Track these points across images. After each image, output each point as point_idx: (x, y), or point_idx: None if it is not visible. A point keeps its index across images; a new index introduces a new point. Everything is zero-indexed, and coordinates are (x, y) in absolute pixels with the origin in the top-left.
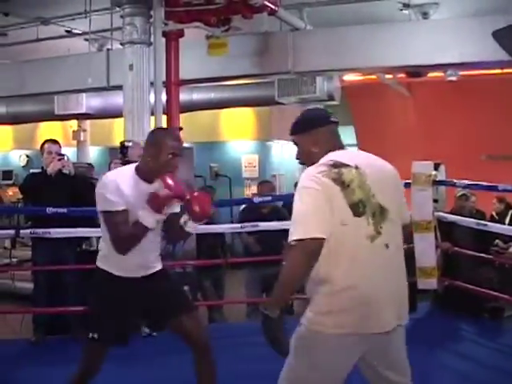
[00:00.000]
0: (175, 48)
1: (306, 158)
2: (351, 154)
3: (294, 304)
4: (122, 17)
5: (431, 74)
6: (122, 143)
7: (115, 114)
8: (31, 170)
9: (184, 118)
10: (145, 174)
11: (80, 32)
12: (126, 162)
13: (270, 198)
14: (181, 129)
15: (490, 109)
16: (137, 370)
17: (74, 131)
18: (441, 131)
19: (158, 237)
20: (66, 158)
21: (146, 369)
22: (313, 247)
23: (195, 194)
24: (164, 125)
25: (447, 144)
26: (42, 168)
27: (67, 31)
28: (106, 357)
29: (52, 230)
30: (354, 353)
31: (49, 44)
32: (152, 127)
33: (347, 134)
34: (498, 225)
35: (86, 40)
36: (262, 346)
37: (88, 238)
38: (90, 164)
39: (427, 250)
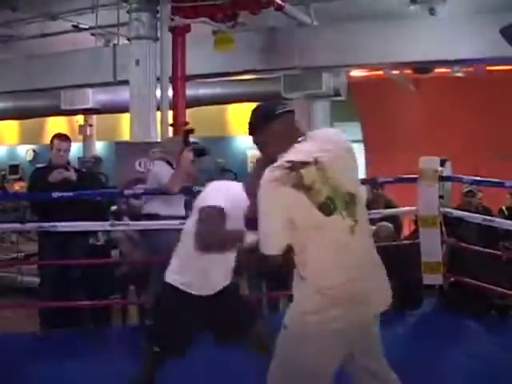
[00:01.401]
0: (182, 43)
1: (267, 159)
2: (308, 144)
3: (280, 301)
4: (128, 12)
5: (438, 70)
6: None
7: (122, 109)
8: (37, 165)
9: (190, 113)
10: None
11: (87, 27)
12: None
13: None
14: (187, 123)
15: (498, 106)
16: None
17: (80, 126)
18: (447, 128)
19: (233, 253)
20: (71, 168)
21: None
22: (271, 259)
23: None
24: (170, 120)
25: (454, 141)
26: (50, 162)
27: (74, 26)
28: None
29: (59, 224)
30: (343, 346)
31: (55, 39)
32: (158, 122)
33: (353, 130)
34: (504, 220)
35: (93, 35)
36: None
37: (95, 233)
38: (97, 157)
39: (433, 246)
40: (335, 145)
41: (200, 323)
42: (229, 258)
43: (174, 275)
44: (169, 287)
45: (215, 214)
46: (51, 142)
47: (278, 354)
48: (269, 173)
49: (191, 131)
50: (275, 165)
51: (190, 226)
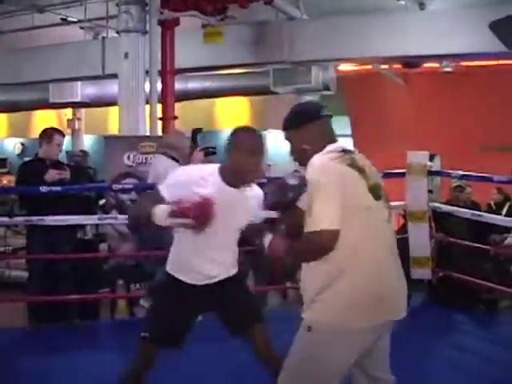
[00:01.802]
0: (171, 37)
1: (299, 156)
2: (344, 146)
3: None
4: (117, 5)
5: (427, 65)
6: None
7: (110, 102)
8: (25, 159)
9: (179, 107)
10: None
11: (75, 20)
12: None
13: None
14: (176, 118)
15: (486, 100)
16: None
17: (68, 120)
18: (436, 122)
19: (227, 247)
20: (66, 167)
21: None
22: (331, 237)
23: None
24: (159, 114)
25: (442, 135)
26: (36, 155)
27: (62, 19)
28: (157, 357)
29: (47, 218)
30: (366, 344)
31: (44, 32)
32: (147, 116)
33: (342, 125)
34: (492, 215)
35: (82, 28)
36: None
37: (83, 227)
38: (84, 151)
39: (421, 240)
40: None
41: (191, 312)
42: (216, 248)
43: (168, 263)
44: (166, 275)
45: (146, 195)
46: (45, 135)
47: (297, 353)
48: (322, 156)
49: (199, 130)
50: (326, 151)
51: None
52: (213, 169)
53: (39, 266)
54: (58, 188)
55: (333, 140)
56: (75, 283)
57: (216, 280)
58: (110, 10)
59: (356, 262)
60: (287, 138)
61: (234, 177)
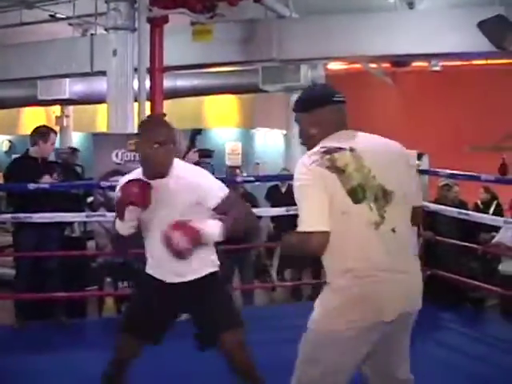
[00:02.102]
0: (159, 34)
1: (306, 139)
2: (349, 136)
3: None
4: (106, 2)
5: (415, 64)
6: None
7: (99, 99)
8: (14, 156)
9: (168, 105)
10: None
11: (64, 17)
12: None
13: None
14: (164, 115)
15: (474, 99)
16: None
17: (57, 117)
18: (424, 121)
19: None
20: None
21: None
22: (320, 240)
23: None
24: (148, 112)
25: (431, 134)
26: (27, 152)
27: (51, 16)
28: (136, 351)
29: (34, 215)
30: (365, 345)
31: (32, 28)
32: (135, 114)
33: None
34: (480, 214)
35: (70, 25)
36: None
37: (71, 225)
38: (74, 148)
39: None
40: (385, 146)
41: (166, 309)
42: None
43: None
44: (143, 272)
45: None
46: (41, 134)
47: (303, 358)
48: (307, 157)
49: (199, 131)
50: (312, 150)
51: None
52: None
53: (26, 264)
54: (46, 185)
55: (342, 127)
56: (63, 281)
57: (187, 279)
58: (99, 6)
59: (334, 267)
60: (297, 121)
61: (145, 169)
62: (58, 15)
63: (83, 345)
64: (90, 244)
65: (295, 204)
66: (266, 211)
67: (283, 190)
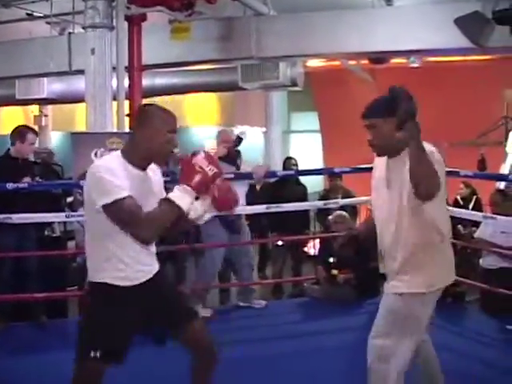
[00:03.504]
0: (138, 32)
1: (387, 146)
2: None
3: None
4: (84, 0)
5: (394, 61)
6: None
7: (77, 98)
8: None
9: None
10: (138, 159)
11: (41, 15)
12: None
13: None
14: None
15: (452, 96)
16: None
17: (35, 116)
18: None
19: None
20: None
21: None
22: None
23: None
24: (126, 110)
25: None
26: (7, 152)
27: (28, 14)
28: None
29: (14, 216)
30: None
31: (9, 27)
32: (114, 113)
33: (311, 120)
34: (460, 209)
35: (48, 23)
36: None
37: (50, 224)
38: (49, 150)
39: None
40: None
41: (136, 319)
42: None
43: (98, 271)
44: (99, 285)
45: (127, 208)
46: (19, 134)
47: (395, 327)
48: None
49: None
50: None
51: None
52: (116, 157)
53: (6, 264)
54: (25, 185)
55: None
56: (43, 281)
57: (152, 273)
58: (77, 5)
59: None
60: (371, 126)
61: (144, 157)
62: (35, 14)
63: (64, 345)
64: (71, 244)
65: (272, 202)
66: (243, 209)
67: (258, 187)
